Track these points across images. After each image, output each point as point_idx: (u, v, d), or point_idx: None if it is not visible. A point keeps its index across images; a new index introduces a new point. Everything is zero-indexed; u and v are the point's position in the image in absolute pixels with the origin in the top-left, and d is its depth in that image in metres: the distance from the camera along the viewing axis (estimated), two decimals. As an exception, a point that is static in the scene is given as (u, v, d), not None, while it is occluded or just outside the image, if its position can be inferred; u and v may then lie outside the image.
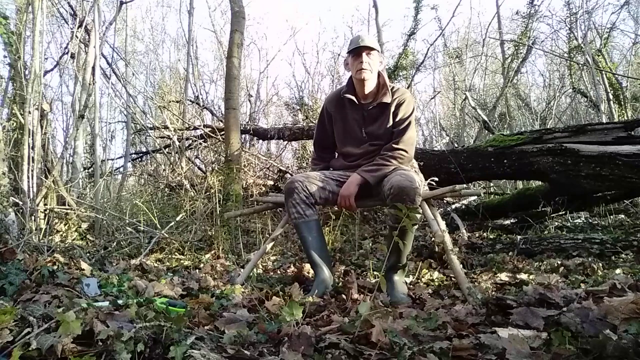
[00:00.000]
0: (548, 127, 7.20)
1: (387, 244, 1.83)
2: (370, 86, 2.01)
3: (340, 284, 1.92)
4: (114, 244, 3.09)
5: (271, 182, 5.14)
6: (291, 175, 5.06)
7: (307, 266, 2.18)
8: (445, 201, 4.65)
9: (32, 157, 3.02)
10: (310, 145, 6.04)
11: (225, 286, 1.88)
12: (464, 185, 1.88)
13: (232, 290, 1.71)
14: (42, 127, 3.23)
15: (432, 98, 11.70)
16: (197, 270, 2.38)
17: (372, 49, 1.94)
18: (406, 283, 1.93)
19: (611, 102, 6.93)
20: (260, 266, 2.55)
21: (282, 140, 6.04)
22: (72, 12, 5.06)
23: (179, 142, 5.47)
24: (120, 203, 4.34)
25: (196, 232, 3.44)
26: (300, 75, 21.59)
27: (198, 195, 3.97)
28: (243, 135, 5.85)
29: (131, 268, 2.32)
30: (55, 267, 1.71)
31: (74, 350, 0.92)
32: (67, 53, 5.22)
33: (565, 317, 1.02)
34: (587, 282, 1.73)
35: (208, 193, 3.83)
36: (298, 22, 30.24)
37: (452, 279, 2.06)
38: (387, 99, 1.98)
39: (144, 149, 7.04)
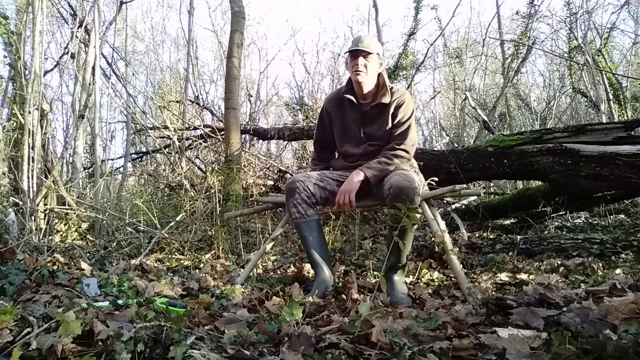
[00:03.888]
0: (548, 127, 7.20)
1: (387, 244, 1.83)
2: (367, 87, 2.01)
3: (340, 284, 1.92)
4: (114, 244, 3.09)
5: (271, 182, 5.14)
6: (291, 175, 5.06)
7: (307, 266, 2.18)
8: (445, 201, 4.65)
9: (32, 157, 3.02)
10: (310, 145, 6.04)
11: (225, 286, 1.88)
12: (464, 185, 1.88)
13: (232, 290, 1.71)
14: (42, 127, 3.23)
15: (432, 98, 11.70)
16: (197, 270, 2.38)
17: (369, 52, 1.95)
18: (406, 283, 1.93)
19: (611, 102, 6.94)
20: (260, 266, 2.55)
21: (282, 140, 6.05)
22: (72, 12, 5.06)
23: (179, 142, 5.47)
24: (120, 203, 4.34)
25: (196, 232, 3.44)
26: (300, 75, 21.58)
27: (198, 195, 3.96)
28: (243, 135, 5.85)
29: (131, 268, 2.32)
30: (55, 267, 1.71)
31: (74, 350, 0.92)
32: (67, 53, 5.22)
33: (565, 317, 1.02)
34: (587, 282, 1.73)
35: (208, 193, 3.83)
36: (298, 22, 30.32)
37: (452, 279, 2.06)
38: (386, 99, 1.99)
39: (144, 149, 7.03)
